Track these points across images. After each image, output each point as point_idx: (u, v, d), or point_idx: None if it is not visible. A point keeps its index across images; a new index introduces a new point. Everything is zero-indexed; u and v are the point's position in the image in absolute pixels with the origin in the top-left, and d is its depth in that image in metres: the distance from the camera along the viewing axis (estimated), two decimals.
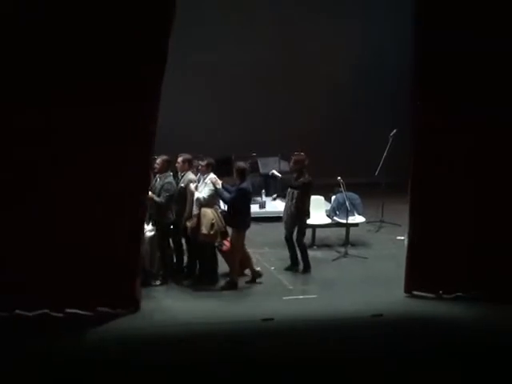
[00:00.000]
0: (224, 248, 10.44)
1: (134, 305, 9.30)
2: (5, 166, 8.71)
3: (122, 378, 7.74)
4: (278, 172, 12.24)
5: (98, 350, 8.29)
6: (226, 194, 10.23)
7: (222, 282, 10.45)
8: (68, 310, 9.03)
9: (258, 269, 10.59)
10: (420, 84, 9.57)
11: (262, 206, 13.29)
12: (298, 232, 10.98)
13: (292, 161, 11.22)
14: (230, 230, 10.44)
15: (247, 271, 10.66)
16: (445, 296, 9.92)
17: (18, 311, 8.90)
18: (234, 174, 10.38)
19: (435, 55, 9.39)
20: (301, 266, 11.04)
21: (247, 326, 9.06)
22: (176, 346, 8.53)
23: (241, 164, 10.50)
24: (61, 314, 9.00)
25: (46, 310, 8.98)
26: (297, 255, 11.04)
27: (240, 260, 10.46)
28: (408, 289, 9.96)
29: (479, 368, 8.01)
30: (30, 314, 8.92)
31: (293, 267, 11.05)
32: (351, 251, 11.80)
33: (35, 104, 8.62)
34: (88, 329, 8.76)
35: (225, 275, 10.56)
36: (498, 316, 9.28)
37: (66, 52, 8.61)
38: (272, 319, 9.13)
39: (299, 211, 10.91)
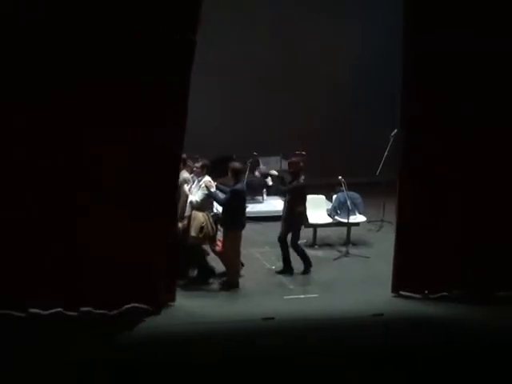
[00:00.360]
0: (217, 249, 10.44)
1: (159, 304, 9.32)
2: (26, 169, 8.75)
3: (119, 378, 7.76)
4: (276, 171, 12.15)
5: (96, 350, 8.31)
6: (220, 196, 10.25)
7: (216, 283, 10.43)
8: (83, 309, 9.03)
9: None
10: (410, 84, 9.56)
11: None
12: (291, 236, 10.92)
13: (287, 163, 11.24)
14: (226, 231, 10.41)
15: (242, 272, 10.64)
16: (431, 296, 9.90)
17: (32, 310, 8.89)
18: (229, 175, 10.36)
19: (424, 56, 9.38)
20: (294, 270, 10.92)
21: (248, 325, 9.06)
22: (176, 345, 8.53)
23: (235, 164, 10.47)
24: (75, 313, 9.00)
25: (59, 309, 8.98)
26: (289, 259, 10.93)
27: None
28: (395, 289, 9.95)
29: (479, 367, 8.04)
30: (45, 313, 8.92)
31: (285, 271, 10.92)
32: (352, 250, 11.81)
33: (47, 104, 8.65)
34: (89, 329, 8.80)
35: (222, 275, 10.53)
36: (493, 316, 9.32)
37: (80, 52, 8.63)
38: (273, 318, 9.14)
39: (291, 215, 10.85)
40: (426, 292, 9.94)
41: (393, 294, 9.95)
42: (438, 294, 9.92)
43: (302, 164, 10.99)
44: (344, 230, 12.11)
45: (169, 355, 8.23)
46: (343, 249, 11.85)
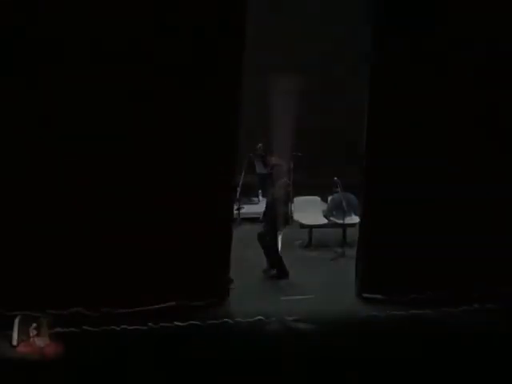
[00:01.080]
0: None
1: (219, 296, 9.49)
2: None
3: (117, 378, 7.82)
4: None
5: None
6: None
7: None
8: (103, 309, 9.02)
9: None
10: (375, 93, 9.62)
11: None
12: (268, 230, 10.88)
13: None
14: None
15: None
16: (399, 299, 9.84)
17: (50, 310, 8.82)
18: None
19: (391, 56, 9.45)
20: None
21: (245, 325, 9.09)
22: (174, 345, 8.56)
23: None
24: (96, 313, 9.00)
25: (79, 308, 8.96)
26: (281, 261, 10.91)
27: None
28: (359, 292, 9.94)
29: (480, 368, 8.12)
30: (65, 312, 8.89)
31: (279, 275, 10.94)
32: (348, 251, 11.81)
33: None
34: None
35: None
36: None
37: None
38: (271, 319, 9.20)
39: (272, 216, 10.86)
40: (394, 294, 9.85)
41: (357, 298, 9.93)
42: (407, 297, 9.85)
43: (283, 166, 11.02)
44: (340, 230, 12.14)
45: (168, 355, 8.26)
46: (339, 250, 11.86)
